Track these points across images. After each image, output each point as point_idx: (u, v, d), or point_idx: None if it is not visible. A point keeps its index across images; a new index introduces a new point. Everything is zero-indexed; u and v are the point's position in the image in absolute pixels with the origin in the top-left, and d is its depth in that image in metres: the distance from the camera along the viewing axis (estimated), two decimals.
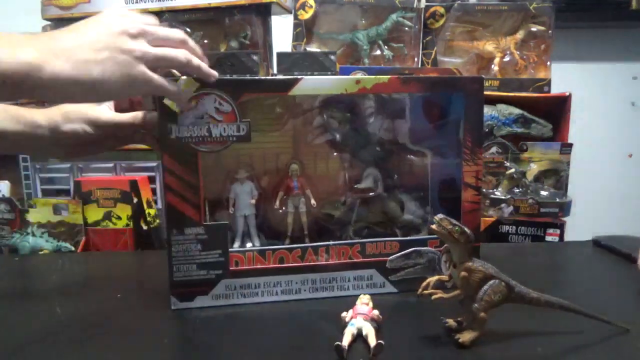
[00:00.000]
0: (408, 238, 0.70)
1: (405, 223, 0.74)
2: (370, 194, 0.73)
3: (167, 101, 0.59)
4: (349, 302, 0.57)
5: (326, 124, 0.72)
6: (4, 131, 0.62)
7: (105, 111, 0.65)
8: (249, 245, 0.68)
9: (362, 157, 0.73)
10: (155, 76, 0.53)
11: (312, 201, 0.70)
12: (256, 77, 0.74)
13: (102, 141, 0.67)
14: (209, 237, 0.63)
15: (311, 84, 0.63)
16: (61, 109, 0.65)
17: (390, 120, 0.74)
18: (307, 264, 0.66)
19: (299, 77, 0.63)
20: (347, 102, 0.72)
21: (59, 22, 1.19)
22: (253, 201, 0.68)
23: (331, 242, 0.67)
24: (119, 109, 0.68)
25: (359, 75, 1.07)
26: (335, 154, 0.73)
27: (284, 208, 0.70)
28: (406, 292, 0.67)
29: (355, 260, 0.67)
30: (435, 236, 0.67)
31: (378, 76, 0.65)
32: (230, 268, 0.64)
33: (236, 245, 0.68)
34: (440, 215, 0.52)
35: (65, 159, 1.07)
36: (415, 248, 0.64)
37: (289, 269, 0.66)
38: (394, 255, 0.63)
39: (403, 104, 0.75)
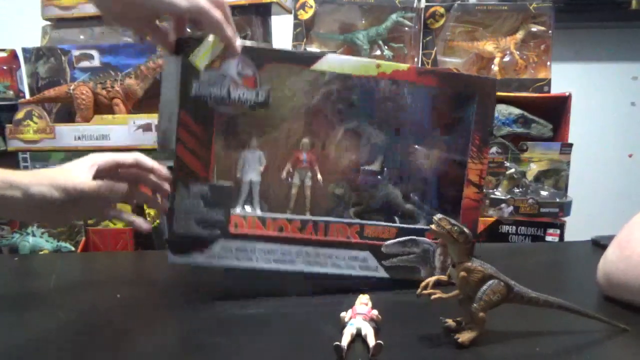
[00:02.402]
0: (406, 226, 0.70)
1: (405, 212, 0.74)
2: (378, 177, 0.73)
3: (192, 58, 0.61)
4: (349, 301, 0.57)
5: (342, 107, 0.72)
6: None
7: (75, 177, 0.64)
8: (249, 210, 0.68)
9: (373, 141, 0.73)
10: None
11: (319, 176, 0.70)
12: (282, 48, 0.76)
13: (71, 208, 0.65)
14: (213, 196, 0.64)
15: (334, 61, 0.64)
16: (33, 171, 0.66)
17: None
18: (305, 236, 0.66)
19: (323, 52, 0.63)
20: (365, 86, 0.71)
21: (59, 22, 1.19)
22: (261, 168, 0.69)
23: (332, 219, 0.67)
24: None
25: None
26: (346, 135, 0.73)
27: (290, 179, 0.70)
28: (402, 288, 0.66)
29: (352, 240, 0.67)
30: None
31: (398, 63, 0.66)
32: (230, 230, 0.64)
33: (238, 209, 0.67)
34: (439, 215, 0.52)
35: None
36: (412, 237, 0.65)
37: (287, 239, 0.66)
38: (390, 241, 0.65)
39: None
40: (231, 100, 0.62)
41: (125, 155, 0.70)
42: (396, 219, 0.73)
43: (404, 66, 0.66)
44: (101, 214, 0.70)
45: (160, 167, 0.71)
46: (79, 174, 0.65)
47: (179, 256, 0.64)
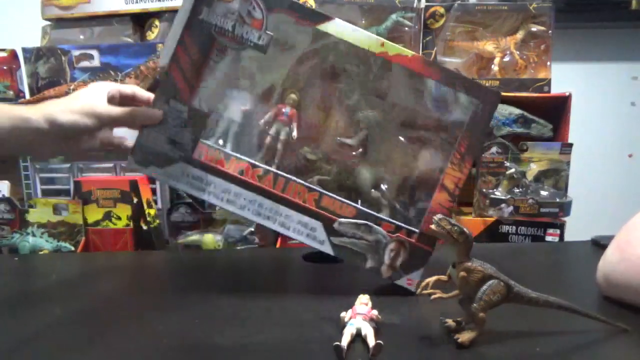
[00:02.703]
0: (367, 210, 0.67)
1: (370, 198, 0.71)
2: (353, 153, 0.71)
3: None
4: (349, 301, 0.57)
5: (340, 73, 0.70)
6: None
7: (100, 105, 0.66)
8: (220, 144, 0.68)
9: (361, 116, 0.71)
10: None
11: (294, 133, 0.69)
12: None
13: (95, 135, 0.68)
14: (188, 119, 0.66)
15: (340, 27, 0.66)
16: (63, 99, 0.67)
17: None
18: (262, 186, 0.67)
19: (332, 16, 0.65)
20: (364, 60, 0.69)
21: (59, 22, 1.19)
22: (242, 108, 0.69)
23: (293, 178, 0.67)
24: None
25: None
26: (334, 103, 0.71)
27: (266, 128, 0.70)
28: (402, 288, 0.67)
29: (307, 206, 0.67)
30: (390, 220, 0.67)
31: (403, 48, 0.66)
32: (193, 156, 0.66)
33: (209, 141, 0.68)
34: (439, 216, 0.52)
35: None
36: (369, 223, 0.64)
37: (243, 182, 0.67)
38: (345, 219, 0.64)
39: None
40: (234, 36, 0.65)
41: (124, 85, 0.71)
42: (359, 201, 0.70)
43: (408, 52, 0.65)
44: (110, 141, 0.71)
45: None
46: (98, 102, 0.66)
47: (138, 165, 0.67)
